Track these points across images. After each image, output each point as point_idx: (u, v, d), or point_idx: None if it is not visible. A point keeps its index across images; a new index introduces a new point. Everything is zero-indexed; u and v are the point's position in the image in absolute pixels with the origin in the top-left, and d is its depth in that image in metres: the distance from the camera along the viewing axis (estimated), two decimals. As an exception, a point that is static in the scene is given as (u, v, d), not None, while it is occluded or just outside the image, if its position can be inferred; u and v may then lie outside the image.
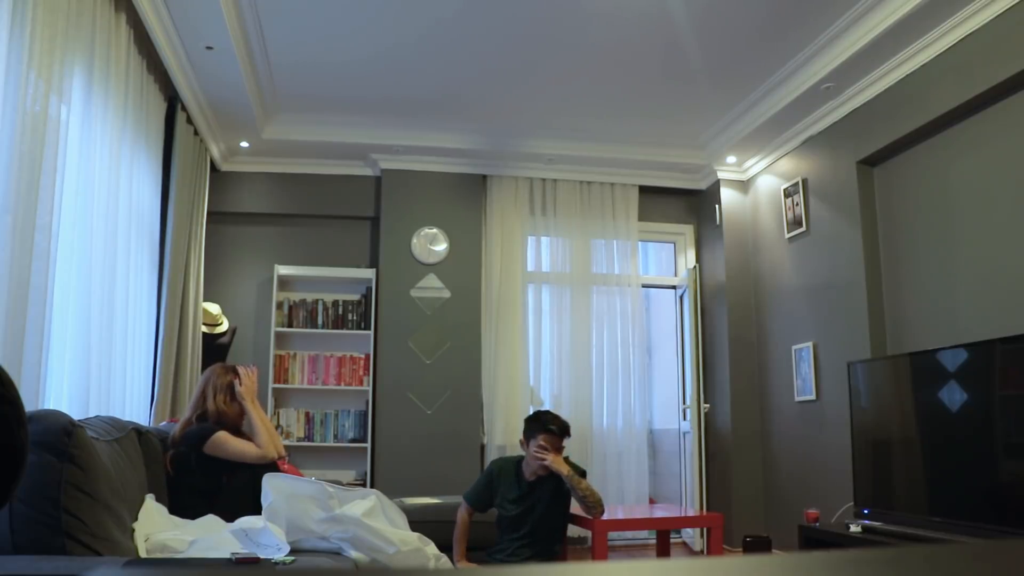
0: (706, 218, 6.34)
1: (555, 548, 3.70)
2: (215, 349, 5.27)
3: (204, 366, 4.58)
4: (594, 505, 3.61)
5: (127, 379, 3.90)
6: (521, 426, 3.80)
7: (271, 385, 5.68)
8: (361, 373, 5.87)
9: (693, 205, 6.50)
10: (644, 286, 6.51)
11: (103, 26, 3.48)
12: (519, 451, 3.80)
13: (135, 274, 4.05)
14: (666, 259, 6.85)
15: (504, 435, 5.75)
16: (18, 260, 2.64)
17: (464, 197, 6.07)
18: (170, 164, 4.61)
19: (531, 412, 4.30)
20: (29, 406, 2.04)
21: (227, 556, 2.28)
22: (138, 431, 2.80)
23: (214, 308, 5.39)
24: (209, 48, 4.26)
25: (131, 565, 1.93)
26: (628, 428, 6.01)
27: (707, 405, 6.03)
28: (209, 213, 5.44)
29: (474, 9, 4.19)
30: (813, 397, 5.12)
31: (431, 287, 5.92)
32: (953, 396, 3.57)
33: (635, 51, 4.63)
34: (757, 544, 4.94)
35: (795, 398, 5.33)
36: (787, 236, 5.50)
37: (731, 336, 5.87)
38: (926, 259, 4.31)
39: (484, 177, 6.14)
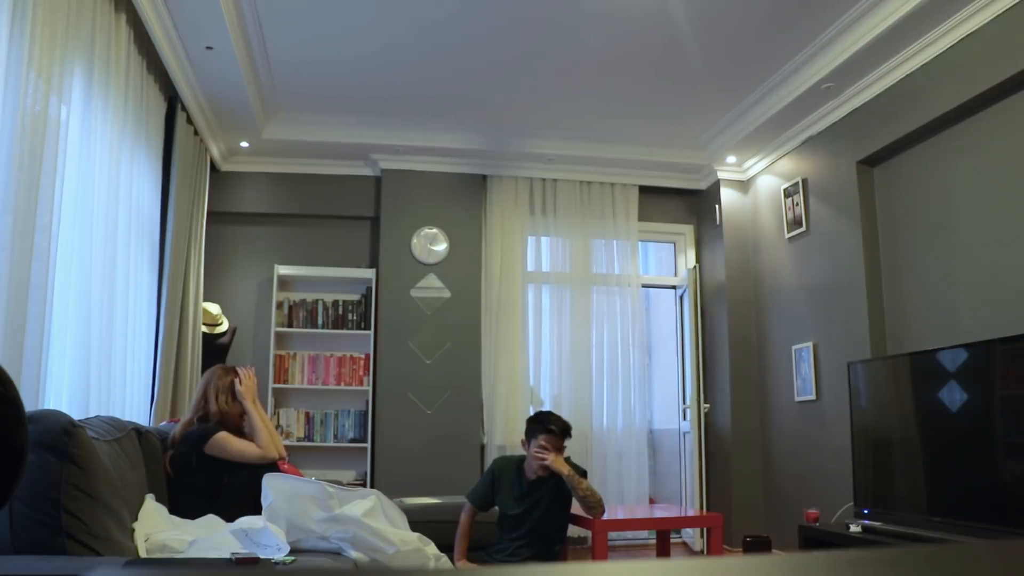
0: (706, 218, 6.34)
1: (555, 548, 3.71)
2: (215, 349, 5.27)
3: (204, 366, 4.58)
4: (594, 505, 3.61)
5: (127, 379, 3.90)
6: (521, 426, 3.80)
7: (271, 385, 5.68)
8: (361, 373, 5.87)
9: (693, 205, 6.50)
10: (644, 286, 6.51)
11: (103, 26, 3.48)
12: (520, 451, 3.80)
13: (135, 274, 4.05)
14: (666, 259, 6.85)
15: (504, 435, 5.75)
16: (18, 260, 2.64)
17: (464, 197, 6.07)
18: (170, 164, 4.60)
19: (532, 412, 4.30)
20: (29, 406, 2.04)
21: (227, 556, 2.28)
22: (138, 431, 2.80)
23: (214, 308, 5.39)
24: (209, 48, 4.26)
25: (131, 565, 1.93)
26: (628, 428, 6.01)
27: (707, 405, 6.03)
28: (209, 213, 5.44)
29: (474, 9, 4.18)
30: (813, 397, 5.12)
31: (431, 287, 5.91)
32: (953, 396, 3.57)
33: (635, 51, 4.63)
34: (757, 544, 4.94)
35: (795, 398, 5.33)
36: (787, 236, 5.50)
37: (731, 336, 5.87)
38: (926, 259, 4.30)
39: (484, 177, 6.14)
